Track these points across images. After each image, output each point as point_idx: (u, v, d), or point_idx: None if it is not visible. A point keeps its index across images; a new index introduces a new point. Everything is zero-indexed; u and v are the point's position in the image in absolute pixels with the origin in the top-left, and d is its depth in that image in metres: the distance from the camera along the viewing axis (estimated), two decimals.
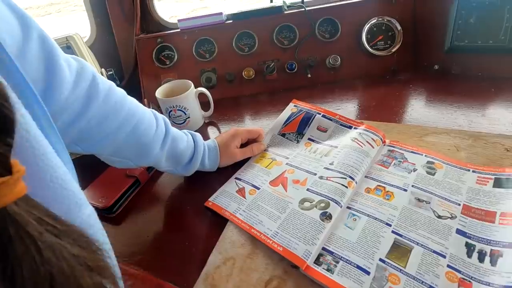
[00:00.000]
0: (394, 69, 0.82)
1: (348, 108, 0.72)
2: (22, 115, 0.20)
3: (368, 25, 0.80)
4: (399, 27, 0.80)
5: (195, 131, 0.73)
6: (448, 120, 0.62)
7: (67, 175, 0.23)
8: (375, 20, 0.80)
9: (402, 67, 0.82)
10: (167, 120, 0.52)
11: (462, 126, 0.59)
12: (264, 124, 0.71)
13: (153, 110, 0.50)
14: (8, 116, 0.15)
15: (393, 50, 0.80)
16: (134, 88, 0.90)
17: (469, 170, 0.48)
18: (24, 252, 0.14)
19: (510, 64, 0.71)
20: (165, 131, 0.49)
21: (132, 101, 0.46)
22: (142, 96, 0.87)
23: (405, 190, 0.46)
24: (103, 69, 0.68)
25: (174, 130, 0.52)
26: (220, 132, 0.73)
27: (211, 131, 0.75)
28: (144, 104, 0.80)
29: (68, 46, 0.58)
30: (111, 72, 0.69)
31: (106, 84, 0.41)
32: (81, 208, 0.25)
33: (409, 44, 0.81)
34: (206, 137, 0.73)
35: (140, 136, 0.45)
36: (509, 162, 0.49)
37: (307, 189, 0.49)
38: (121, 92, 0.44)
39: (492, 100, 0.66)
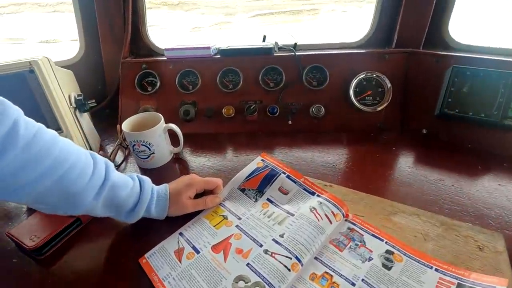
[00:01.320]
0: (380, 127, 0.78)
1: (322, 164, 0.67)
2: None
3: (358, 79, 0.77)
4: (389, 85, 0.76)
5: (161, 166, 0.71)
6: (424, 197, 0.56)
7: None
8: (365, 75, 0.77)
9: (388, 126, 0.78)
10: (110, 164, 0.48)
11: (437, 206, 0.54)
12: (233, 168, 0.67)
13: (93, 153, 0.47)
14: None
15: (381, 108, 0.77)
16: (114, 111, 0.88)
17: (431, 268, 0.42)
18: None
19: (501, 141, 0.67)
20: (103, 178, 0.46)
21: (65, 145, 0.42)
22: (118, 120, 0.84)
23: (353, 285, 0.41)
24: (72, 93, 0.66)
25: (116, 176, 0.48)
26: (187, 171, 0.69)
27: (178, 167, 0.72)
28: (117, 130, 0.78)
29: (31, 71, 0.56)
30: (80, 97, 0.67)
31: (30, 130, 0.38)
32: None
33: (398, 104, 0.78)
34: (171, 172, 0.70)
35: (68, 185, 0.41)
36: (479, 264, 0.43)
37: (247, 264, 0.44)
38: (50, 137, 0.40)
39: (476, 179, 0.61)
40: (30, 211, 0.59)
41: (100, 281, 0.46)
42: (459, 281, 0.39)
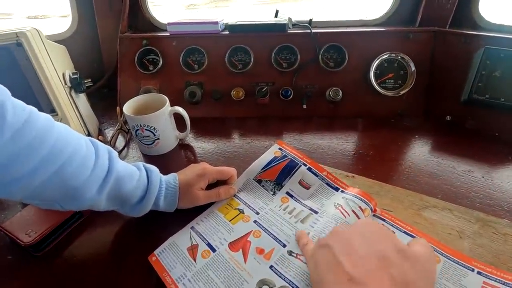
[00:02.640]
0: (401, 113, 0.73)
1: (341, 152, 0.62)
2: None
3: (379, 60, 0.71)
4: (413, 67, 0.70)
5: (166, 153, 0.65)
6: (453, 190, 0.52)
7: None
8: (387, 55, 0.71)
9: (410, 112, 0.73)
10: (114, 153, 0.42)
11: (469, 200, 0.50)
12: (245, 155, 0.62)
13: (95, 140, 0.41)
14: None
15: (403, 92, 0.71)
16: (112, 92, 0.81)
17: (473, 270, 0.38)
18: None
19: None
20: (107, 170, 0.40)
21: (62, 132, 0.36)
22: (117, 102, 0.78)
23: None
24: (67, 71, 0.59)
25: (121, 167, 0.42)
26: (195, 158, 0.64)
27: (184, 154, 0.66)
28: (116, 113, 0.72)
29: (18, 44, 0.48)
30: (75, 76, 0.60)
31: (20, 115, 0.32)
32: None
33: (422, 88, 0.72)
34: (177, 160, 0.64)
35: (68, 178, 0.36)
36: None
37: (270, 267, 0.40)
38: (45, 122, 0.35)
39: (507, 170, 0.57)
40: (24, 204, 0.54)
41: (105, 280, 0.42)
42: (506, 287, 0.36)
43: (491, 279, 0.37)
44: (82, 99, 0.65)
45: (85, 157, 0.37)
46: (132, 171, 0.44)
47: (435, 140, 0.66)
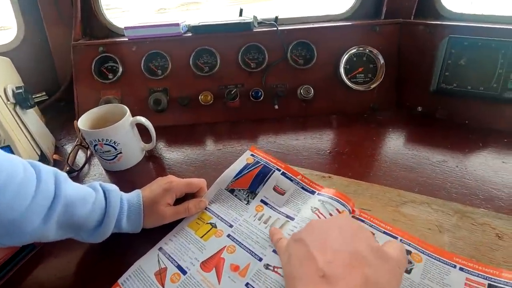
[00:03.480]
0: (374, 107, 0.72)
1: (316, 152, 0.60)
2: None
3: (348, 54, 0.70)
4: (381, 60, 0.70)
5: (132, 167, 0.60)
6: (430, 182, 0.52)
7: None
8: (356, 49, 0.70)
9: (383, 106, 0.72)
10: (61, 175, 0.38)
11: (445, 191, 0.49)
12: (218, 163, 0.58)
13: (36, 163, 0.36)
14: None
15: (373, 86, 0.70)
16: (70, 106, 0.75)
17: (455, 267, 0.37)
18: None
19: (501, 115, 0.63)
20: (53, 196, 0.35)
21: None
22: (76, 116, 0.72)
23: None
24: (9, 85, 0.53)
25: (71, 190, 0.38)
26: (163, 171, 0.60)
27: (152, 167, 0.62)
28: (74, 128, 0.66)
29: None
30: (20, 90, 0.54)
31: None
32: None
33: (392, 80, 0.72)
34: (145, 174, 0.60)
35: (1, 211, 0.31)
36: (501, 255, 0.39)
37: (246, 284, 0.36)
38: None
39: (479, 157, 0.57)
40: None
41: None
42: (489, 282, 0.34)
43: (474, 275, 0.36)
44: (31, 116, 0.58)
45: (22, 184, 0.32)
46: (86, 194, 0.40)
47: (408, 132, 0.66)
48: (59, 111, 0.80)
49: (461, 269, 0.36)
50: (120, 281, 0.39)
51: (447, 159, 0.57)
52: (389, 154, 0.59)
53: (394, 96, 0.72)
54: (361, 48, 0.70)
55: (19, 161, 0.34)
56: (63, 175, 0.38)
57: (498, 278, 0.34)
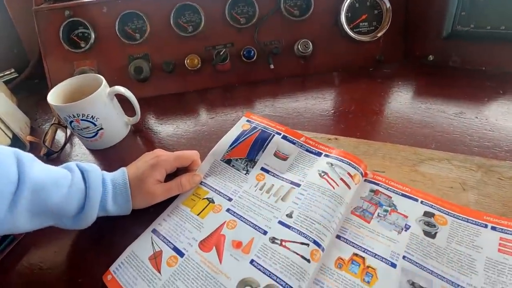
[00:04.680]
0: (379, 59, 0.65)
1: (319, 113, 0.54)
2: None
3: (349, 0, 0.61)
4: (387, 3, 0.61)
5: (116, 144, 0.55)
6: (447, 136, 0.46)
7: None
8: None
9: (390, 57, 0.65)
10: (26, 157, 0.32)
11: (465, 146, 0.44)
12: (211, 133, 0.53)
13: None
14: None
15: (379, 35, 0.63)
16: (43, 82, 0.67)
17: (486, 226, 0.33)
18: None
19: None
20: (16, 181, 0.30)
21: None
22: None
23: (394, 266, 0.31)
24: None
25: (39, 173, 0.32)
26: (152, 146, 0.54)
27: (141, 142, 0.56)
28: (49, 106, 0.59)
29: None
30: None
31: None
32: None
33: (399, 27, 0.64)
34: (133, 151, 0.54)
35: None
36: None
37: (251, 261, 0.32)
38: None
39: (500, 106, 0.51)
40: None
41: None
42: None
43: (509, 233, 0.31)
44: None
45: None
46: (59, 176, 0.34)
47: (420, 84, 0.60)
48: (32, 89, 0.72)
49: (493, 228, 0.32)
50: (111, 269, 0.35)
51: (465, 110, 0.51)
52: (399, 110, 0.53)
53: (402, 46, 0.65)
54: None
55: None
56: (27, 156, 0.32)
57: None
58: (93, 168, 0.38)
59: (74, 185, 0.35)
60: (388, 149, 0.45)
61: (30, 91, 0.72)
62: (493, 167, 0.40)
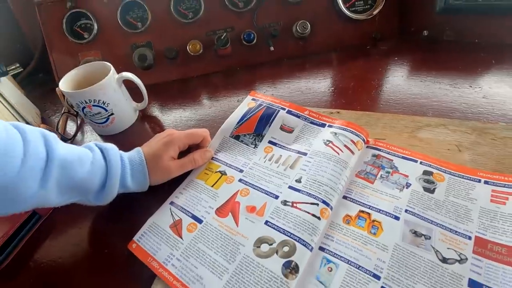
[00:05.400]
0: (376, 37, 0.67)
1: (321, 91, 0.57)
2: None
3: None
4: None
5: (127, 130, 0.57)
6: (444, 105, 0.49)
7: None
8: None
9: (386, 34, 0.67)
10: (51, 136, 0.34)
11: (460, 112, 0.47)
12: (217, 116, 0.55)
13: (20, 124, 0.32)
14: None
15: (375, 13, 0.64)
16: (48, 76, 0.69)
17: (479, 181, 0.36)
18: None
19: None
20: (45, 157, 0.32)
21: None
22: (56, 83, 0.66)
23: (397, 219, 0.34)
24: None
25: (64, 150, 0.34)
26: (162, 129, 0.56)
27: (149, 127, 0.58)
28: (58, 96, 0.61)
29: None
30: None
31: None
32: None
33: (394, 5, 0.66)
34: (142, 136, 0.56)
35: None
36: None
37: (266, 222, 0.35)
38: None
39: (493, 75, 0.54)
40: None
41: (82, 283, 0.36)
42: None
43: (499, 186, 0.34)
44: (6, 85, 0.53)
45: (6, 144, 0.29)
46: (82, 153, 0.36)
47: (416, 58, 0.62)
48: (38, 83, 0.74)
49: (486, 182, 0.35)
50: (135, 238, 0.37)
51: (459, 80, 0.54)
52: (397, 83, 0.56)
53: (397, 22, 0.67)
54: None
55: None
56: (52, 135, 0.35)
57: None
58: (112, 146, 0.40)
59: (96, 162, 0.37)
60: (388, 119, 0.47)
61: (36, 85, 0.74)
62: (487, 129, 0.43)
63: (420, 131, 0.44)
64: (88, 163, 0.36)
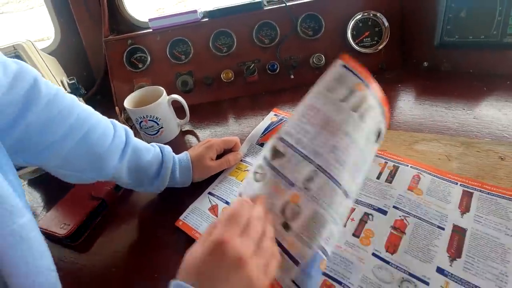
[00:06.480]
0: (382, 67, 0.77)
1: None
2: None
3: (353, 21, 0.75)
4: (386, 23, 0.75)
5: (171, 141, 0.69)
6: (439, 124, 0.58)
7: None
8: (361, 15, 0.75)
9: (390, 65, 0.78)
10: (129, 130, 0.47)
11: (453, 130, 0.55)
12: (244, 131, 0.66)
13: (113, 120, 0.46)
14: None
15: (380, 47, 0.76)
16: (106, 96, 0.84)
17: (457, 184, 0.44)
18: None
19: (502, 60, 0.67)
20: (125, 141, 0.45)
21: (85, 109, 0.42)
22: (114, 104, 0.81)
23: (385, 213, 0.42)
24: (64, 78, 0.62)
25: (137, 141, 0.47)
26: (198, 141, 0.68)
27: (188, 140, 0.70)
28: (116, 113, 0.75)
29: (17, 56, 0.51)
30: (73, 81, 0.63)
31: (51, 90, 0.38)
32: (13, 216, 0.27)
33: (397, 40, 0.77)
34: (182, 146, 0.68)
35: (92, 145, 0.41)
36: (503, 172, 0.45)
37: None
38: (70, 98, 0.41)
39: (484, 100, 0.62)
40: (49, 206, 0.58)
41: (141, 254, 0.46)
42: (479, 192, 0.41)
43: (470, 188, 0.42)
44: None
45: (105, 128, 0.43)
46: (147, 146, 0.49)
47: (416, 86, 0.71)
48: (97, 104, 0.89)
49: (461, 185, 0.43)
50: (181, 217, 0.48)
51: (454, 104, 0.62)
52: (400, 106, 0.65)
53: (400, 55, 0.78)
54: (366, 14, 0.75)
55: (100, 114, 0.44)
56: (130, 129, 0.48)
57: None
58: (167, 147, 0.52)
59: (155, 155, 0.49)
60: (389, 135, 0.56)
61: (96, 105, 0.89)
62: (474, 143, 0.51)
63: (416, 144, 0.53)
64: (150, 154, 0.48)
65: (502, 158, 0.47)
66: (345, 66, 0.38)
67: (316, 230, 0.32)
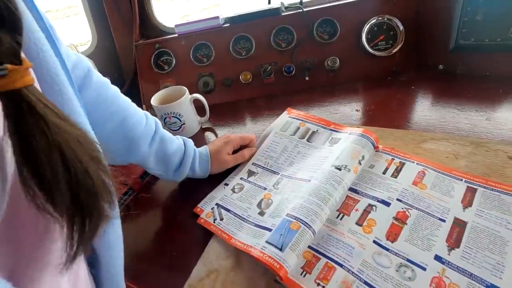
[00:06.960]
0: (396, 70, 0.79)
1: (344, 112, 0.70)
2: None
3: (368, 25, 0.78)
4: (401, 27, 0.77)
5: (191, 137, 0.74)
6: (450, 125, 0.59)
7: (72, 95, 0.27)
8: (376, 20, 0.77)
9: (404, 68, 0.79)
10: (158, 121, 0.53)
11: (464, 131, 0.56)
12: (259, 129, 0.70)
13: (146, 111, 0.53)
14: (15, 14, 0.16)
15: (395, 51, 0.77)
16: (135, 94, 0.91)
17: (461, 180, 0.45)
18: (35, 125, 0.17)
19: None
20: (154, 130, 0.51)
21: (125, 99, 0.50)
22: (142, 102, 0.88)
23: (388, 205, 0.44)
24: None
25: (164, 131, 0.53)
26: (216, 137, 0.73)
27: (207, 136, 0.75)
28: (143, 110, 0.82)
29: None
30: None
31: (101, 79, 0.46)
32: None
33: (412, 44, 0.78)
34: (202, 142, 0.73)
35: (128, 130, 0.47)
36: (511, 171, 0.46)
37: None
38: (115, 89, 0.48)
39: (499, 102, 0.62)
40: None
41: (162, 234, 0.51)
42: (483, 189, 0.43)
43: (474, 185, 0.44)
44: None
45: (140, 116, 0.49)
46: (173, 137, 0.55)
47: (431, 88, 0.72)
48: None
49: (466, 181, 0.44)
50: (199, 205, 0.52)
51: (467, 106, 0.63)
52: (412, 107, 0.67)
53: (414, 58, 0.79)
54: (380, 18, 0.77)
55: (135, 106, 0.51)
56: (159, 122, 0.54)
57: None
58: (189, 140, 0.57)
59: (179, 145, 0.54)
60: (399, 133, 0.58)
61: None
62: (483, 143, 0.52)
63: (425, 142, 0.55)
64: (175, 145, 0.53)
65: (511, 158, 0.48)
66: (289, 116, 0.65)
67: (284, 207, 0.47)
